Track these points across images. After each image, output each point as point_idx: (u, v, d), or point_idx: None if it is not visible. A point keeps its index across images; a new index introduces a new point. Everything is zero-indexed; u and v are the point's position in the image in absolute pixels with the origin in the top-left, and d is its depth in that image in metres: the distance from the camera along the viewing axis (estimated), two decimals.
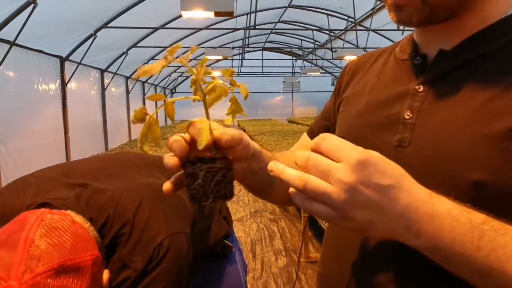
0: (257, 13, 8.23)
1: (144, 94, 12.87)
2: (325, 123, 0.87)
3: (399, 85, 0.66)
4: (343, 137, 0.53)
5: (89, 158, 1.26)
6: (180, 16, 7.41)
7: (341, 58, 9.43)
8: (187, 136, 0.55)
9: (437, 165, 0.55)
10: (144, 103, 12.83)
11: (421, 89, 0.62)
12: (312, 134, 0.91)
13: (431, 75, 0.62)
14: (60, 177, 1.04)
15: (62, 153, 6.79)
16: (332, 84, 18.44)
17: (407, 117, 0.61)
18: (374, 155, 0.47)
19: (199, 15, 4.77)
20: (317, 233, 4.38)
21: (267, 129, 11.32)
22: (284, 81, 17.07)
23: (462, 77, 0.58)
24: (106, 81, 9.00)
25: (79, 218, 0.92)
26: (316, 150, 0.49)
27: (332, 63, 15.70)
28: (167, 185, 0.57)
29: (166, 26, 8.08)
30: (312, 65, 16.61)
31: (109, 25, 6.73)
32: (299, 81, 17.62)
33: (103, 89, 8.89)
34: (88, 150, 7.51)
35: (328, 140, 0.48)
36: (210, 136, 0.53)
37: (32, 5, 4.60)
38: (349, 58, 9.45)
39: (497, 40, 0.58)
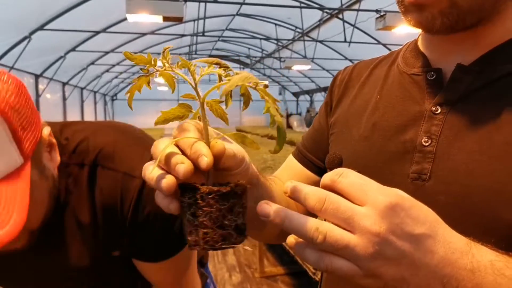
0: (205, 20, 8.09)
1: (82, 101, 12.23)
2: (319, 146, 0.75)
3: (411, 105, 0.57)
4: (348, 165, 0.46)
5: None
6: (124, 19, 7.12)
7: (289, 68, 9.57)
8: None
9: (470, 205, 0.48)
10: (82, 110, 12.16)
11: (439, 110, 0.54)
12: (301, 156, 0.78)
13: (451, 94, 0.54)
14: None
15: None
16: (280, 93, 18.69)
17: (425, 143, 0.54)
18: (405, 198, 0.40)
19: (146, 19, 4.56)
20: (270, 246, 4.28)
21: None
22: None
23: (490, 97, 0.51)
24: (41, 87, 8.54)
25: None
26: (331, 189, 0.41)
27: (280, 73, 15.95)
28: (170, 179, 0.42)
29: (108, 30, 7.73)
30: (260, 74, 16.74)
31: (45, 27, 6.35)
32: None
33: (38, 95, 8.41)
34: None
35: (348, 177, 0.41)
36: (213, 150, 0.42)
37: None
38: (297, 68, 9.59)
39: None
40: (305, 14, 8.41)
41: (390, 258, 0.38)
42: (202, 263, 1.17)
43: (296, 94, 19.23)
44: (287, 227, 0.40)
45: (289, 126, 17.41)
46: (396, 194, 0.40)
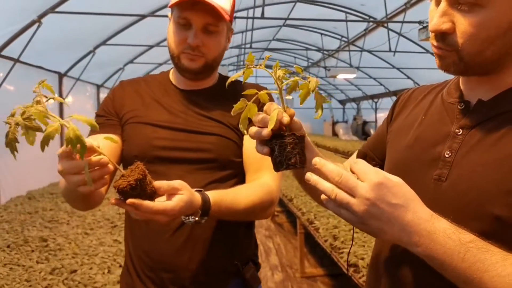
0: (253, 31, 8.36)
1: None
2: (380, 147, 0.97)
3: (443, 126, 0.77)
4: (394, 168, 0.77)
5: None
6: None
7: (334, 77, 9.58)
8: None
9: (468, 200, 0.67)
10: None
11: (460, 132, 0.73)
12: (361, 152, 1.02)
13: (470, 121, 0.72)
14: None
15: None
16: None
17: (446, 155, 0.72)
18: (391, 180, 0.62)
19: None
20: (312, 248, 4.47)
21: None
22: (277, 98, 17.15)
23: (496, 126, 0.69)
24: (102, 96, 9.09)
25: None
26: (350, 170, 0.64)
27: (326, 81, 15.87)
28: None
29: (161, 44, 8.19)
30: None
31: (107, 42, 6.85)
32: (292, 98, 17.78)
33: (99, 103, 8.94)
34: None
35: (358, 164, 0.64)
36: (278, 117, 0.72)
37: (37, 24, 4.72)
38: (342, 76, 9.60)
39: None
40: (350, 24, 8.50)
41: (374, 214, 0.60)
42: (258, 266, 1.29)
43: (342, 102, 19.08)
44: (318, 187, 0.64)
45: (335, 134, 17.31)
46: (384, 177, 0.61)
